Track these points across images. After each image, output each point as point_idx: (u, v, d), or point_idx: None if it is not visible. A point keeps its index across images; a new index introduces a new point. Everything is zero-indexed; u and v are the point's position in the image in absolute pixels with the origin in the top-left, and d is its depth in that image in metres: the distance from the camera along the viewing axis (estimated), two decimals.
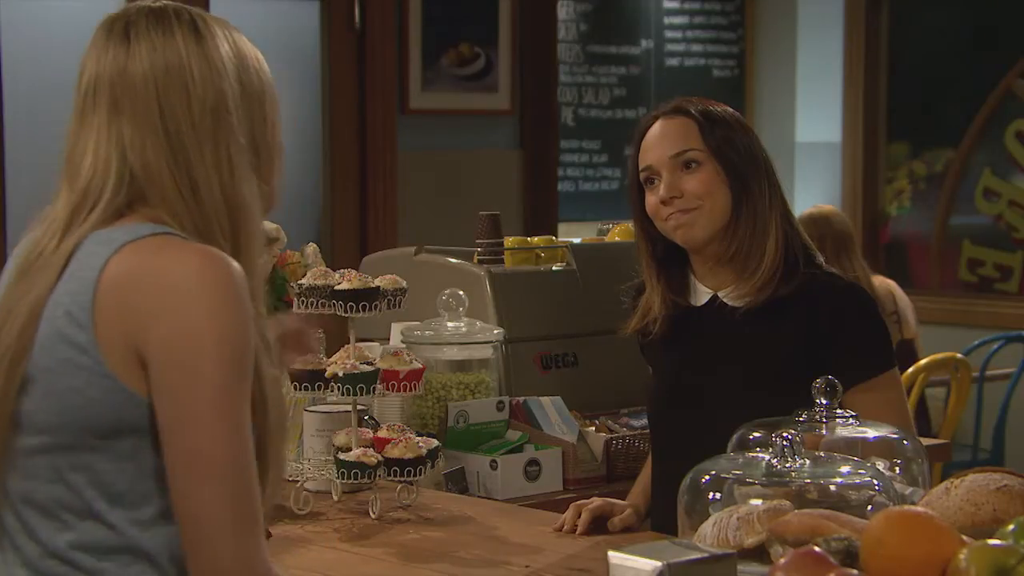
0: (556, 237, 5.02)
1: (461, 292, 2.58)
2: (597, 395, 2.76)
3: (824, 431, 1.68)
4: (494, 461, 2.42)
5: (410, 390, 2.12)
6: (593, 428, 2.65)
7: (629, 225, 2.98)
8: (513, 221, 4.98)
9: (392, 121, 4.51)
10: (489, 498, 2.34)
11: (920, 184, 6.44)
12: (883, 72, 6.58)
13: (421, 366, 2.15)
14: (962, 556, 1.05)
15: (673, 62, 6.48)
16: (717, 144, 2.31)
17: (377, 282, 2.13)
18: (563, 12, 6.01)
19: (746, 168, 2.31)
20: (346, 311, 2.08)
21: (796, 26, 6.73)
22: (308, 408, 2.26)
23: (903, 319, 4.79)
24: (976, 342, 5.19)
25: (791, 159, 6.71)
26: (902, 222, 6.41)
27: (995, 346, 5.15)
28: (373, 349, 2.69)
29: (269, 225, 2.37)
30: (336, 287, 2.09)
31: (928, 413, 4.81)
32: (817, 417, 1.75)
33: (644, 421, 2.69)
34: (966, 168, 6.24)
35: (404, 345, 2.47)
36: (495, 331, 2.60)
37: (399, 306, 2.16)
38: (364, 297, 2.08)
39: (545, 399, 2.59)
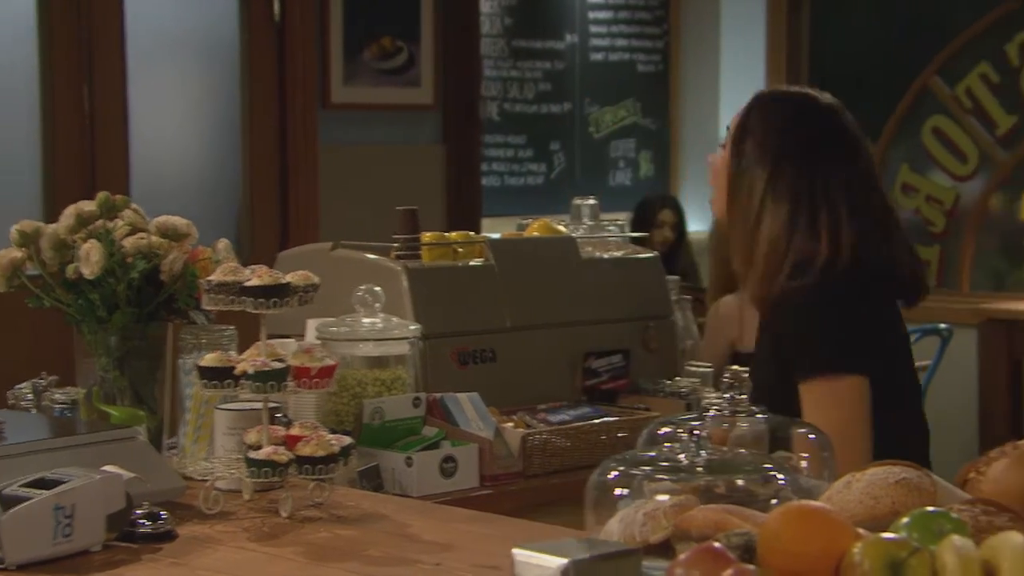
0: (479, 232, 5.04)
1: (377, 288, 2.56)
2: (515, 391, 2.75)
3: (728, 425, 1.69)
4: (409, 458, 2.41)
5: (322, 387, 2.10)
6: (511, 424, 2.64)
7: (548, 221, 2.98)
8: (436, 217, 4.97)
9: (313, 115, 4.49)
10: (404, 495, 2.33)
11: None
12: (804, 68, 6.64)
13: (334, 363, 2.13)
14: (856, 549, 1.06)
15: (598, 56, 6.50)
16: (736, 131, 2.37)
17: (288, 278, 2.10)
18: (487, 6, 6.01)
19: (751, 160, 2.34)
20: (255, 308, 2.05)
21: (719, 22, 6.78)
22: (219, 406, 2.24)
23: None
24: None
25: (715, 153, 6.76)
26: None
27: (912, 339, 5.20)
28: (287, 346, 2.67)
29: (179, 220, 2.33)
30: (246, 283, 2.06)
31: None
32: (724, 411, 1.76)
33: (562, 416, 2.70)
34: (884, 163, 6.31)
35: (318, 342, 2.45)
36: (411, 327, 2.58)
37: (311, 302, 2.14)
38: (274, 293, 2.05)
39: (462, 395, 2.58)
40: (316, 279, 2.13)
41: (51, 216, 4.12)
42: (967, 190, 6.09)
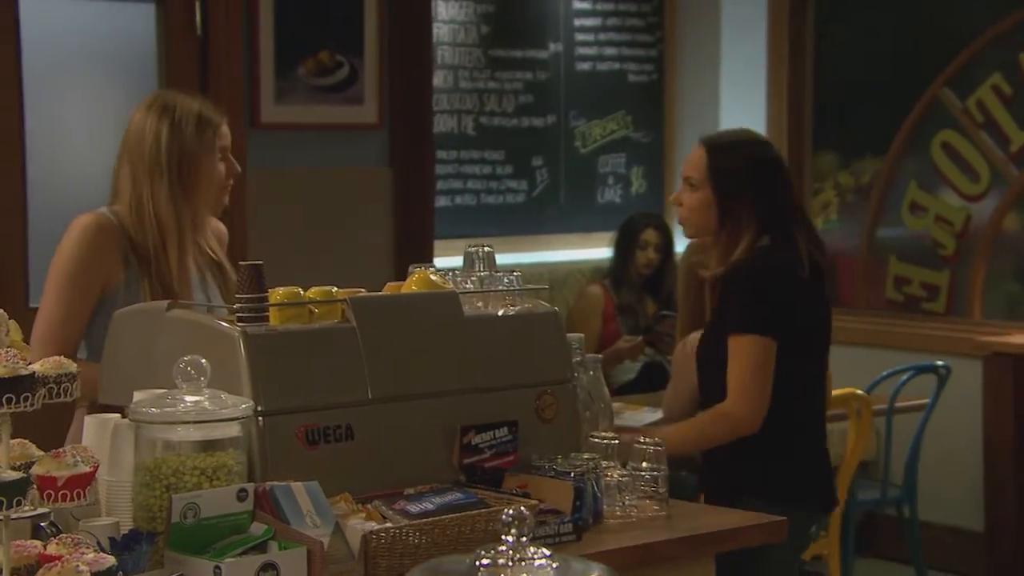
0: (432, 262, 4.68)
1: (203, 360, 2.21)
2: (378, 474, 2.39)
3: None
4: (218, 567, 2.05)
5: (73, 499, 1.75)
6: (363, 516, 2.28)
7: (428, 273, 2.61)
8: (382, 245, 4.61)
9: (240, 136, 4.13)
10: None
11: (847, 196, 6.10)
12: (808, 77, 6.24)
13: (89, 468, 1.78)
14: None
15: (585, 66, 6.12)
16: (715, 172, 3.08)
17: (36, 366, 1.76)
18: (462, 14, 5.66)
19: (732, 196, 3.07)
20: None
21: (719, 29, 6.37)
22: None
23: None
24: (885, 372, 4.84)
25: None
26: (829, 237, 6.06)
27: (904, 377, 4.79)
28: (105, 423, 2.33)
29: None
30: None
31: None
32: (502, 560, 1.39)
33: (426, 505, 2.33)
34: (893, 179, 5.90)
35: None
36: (243, 405, 2.23)
37: (69, 395, 1.79)
38: (10, 388, 1.71)
39: (298, 484, 2.22)
40: (73, 367, 1.78)
41: None
42: (979, 210, 5.65)
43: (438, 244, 5.11)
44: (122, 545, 2.08)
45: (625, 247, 5.60)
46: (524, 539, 1.40)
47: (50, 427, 2.80)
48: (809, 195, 6.20)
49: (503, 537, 1.41)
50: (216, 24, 4.23)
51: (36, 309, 3.01)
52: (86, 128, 4.27)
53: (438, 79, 5.55)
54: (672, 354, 4.49)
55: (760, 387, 2.95)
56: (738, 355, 2.97)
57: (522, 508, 1.42)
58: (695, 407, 4.48)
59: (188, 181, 2.94)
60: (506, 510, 1.41)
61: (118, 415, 2.34)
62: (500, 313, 2.64)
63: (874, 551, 5.59)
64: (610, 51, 6.20)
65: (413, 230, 4.75)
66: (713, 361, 3.08)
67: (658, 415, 4.59)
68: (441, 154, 5.56)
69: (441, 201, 5.55)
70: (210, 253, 3.07)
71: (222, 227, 3.19)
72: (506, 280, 2.66)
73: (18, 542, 1.80)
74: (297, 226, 4.52)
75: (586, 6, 6.10)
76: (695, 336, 4.35)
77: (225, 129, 3.02)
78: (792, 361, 3.00)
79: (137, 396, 2.32)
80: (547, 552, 1.42)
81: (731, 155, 3.10)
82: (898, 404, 4.78)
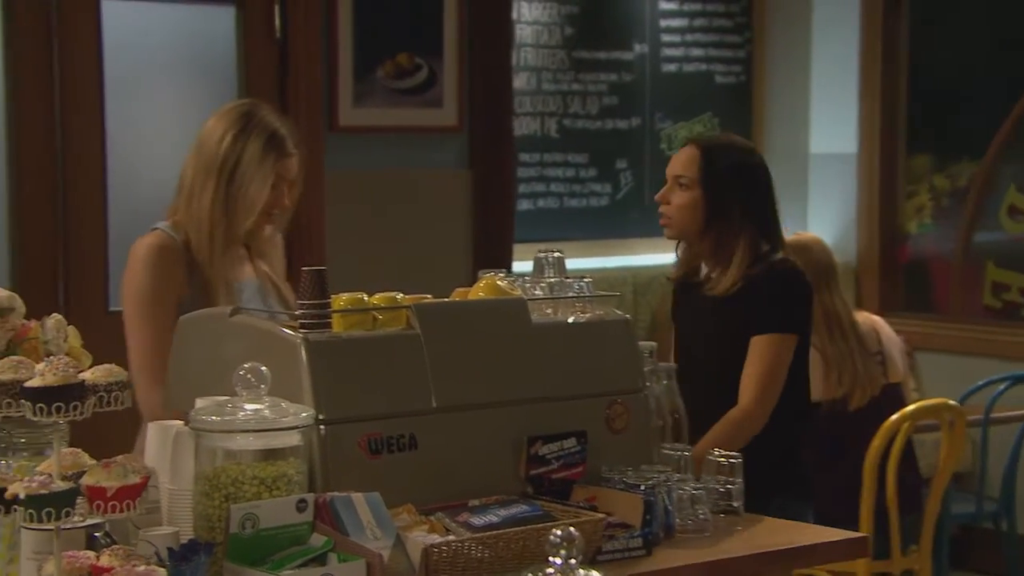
0: (511, 266, 4.62)
1: (263, 367, 2.17)
2: (442, 485, 2.34)
3: None
4: None
5: (123, 510, 1.71)
6: (425, 528, 2.23)
7: (497, 279, 2.55)
8: (461, 250, 4.57)
9: (319, 139, 4.11)
10: None
11: (943, 200, 5.94)
12: (903, 78, 6.09)
13: (139, 479, 1.74)
14: None
15: (671, 67, 6.02)
16: (708, 174, 3.09)
17: (87, 374, 1.72)
18: (546, 15, 5.59)
19: (725, 196, 3.08)
20: (36, 415, 1.68)
21: (810, 29, 6.24)
22: (25, 524, 1.86)
23: (888, 359, 4.29)
24: (980, 382, 4.69)
25: (804, 171, 6.24)
26: (923, 241, 5.92)
27: (1001, 387, 4.64)
28: (166, 431, 2.31)
29: (1, 292, 1.97)
30: (27, 383, 1.69)
31: (917, 463, 4.31)
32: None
33: (490, 518, 2.27)
34: (990, 183, 5.72)
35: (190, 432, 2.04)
36: (303, 414, 2.19)
37: (120, 403, 1.76)
38: (60, 396, 1.68)
39: (359, 495, 2.17)
40: (124, 375, 1.74)
41: (18, 268, 3.91)
42: None
43: (520, 248, 5.06)
44: (180, 556, 2.05)
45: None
46: (573, 561, 1.34)
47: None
48: (902, 198, 6.06)
49: (551, 559, 1.35)
50: (295, 27, 4.22)
51: (116, 313, 3.01)
52: (165, 132, 4.28)
53: (521, 81, 5.50)
54: None
55: (777, 387, 3.02)
56: (765, 354, 3.00)
57: (571, 529, 1.36)
58: None
59: (233, 192, 2.89)
60: (554, 530, 1.35)
61: (181, 422, 2.31)
62: (570, 320, 2.58)
63: (969, 566, 5.42)
64: (697, 52, 6.10)
65: (492, 234, 4.70)
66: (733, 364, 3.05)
67: None
68: (524, 157, 5.50)
69: (523, 204, 5.50)
70: (263, 269, 3.03)
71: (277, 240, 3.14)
72: (576, 286, 2.59)
73: (70, 552, 1.77)
74: (374, 229, 4.49)
75: (672, 7, 6.01)
76: None
77: (292, 162, 2.94)
78: (799, 357, 3.10)
79: (199, 403, 2.30)
80: (597, 574, 1.36)
81: (725, 156, 3.13)
82: (994, 415, 4.62)
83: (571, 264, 2.70)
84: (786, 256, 3.13)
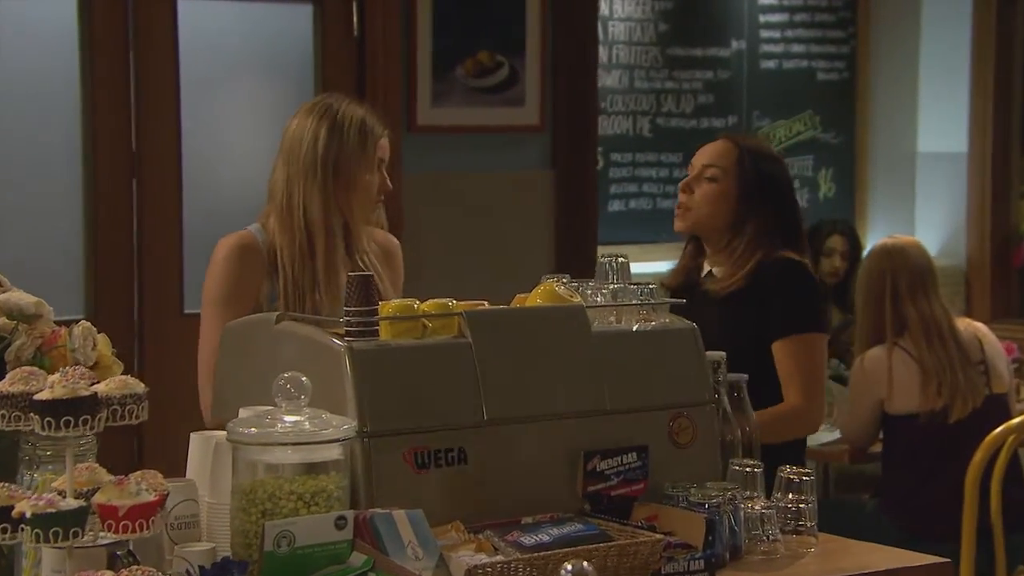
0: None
1: (303, 377, 2.09)
2: (493, 501, 2.22)
3: None
4: None
5: (135, 530, 1.63)
6: (473, 547, 2.12)
7: (555, 285, 2.44)
8: (543, 252, 4.45)
9: (397, 139, 4.04)
10: None
11: None
12: (1017, 74, 5.86)
13: (154, 497, 1.66)
14: None
15: (770, 64, 5.86)
16: (744, 171, 3.03)
17: (100, 387, 1.65)
18: (638, 11, 5.47)
19: (759, 195, 3.03)
20: (44, 428, 1.60)
21: (919, 23, 6.02)
22: (30, 544, 1.78)
23: (991, 369, 4.08)
24: None
25: (911, 171, 6.03)
26: None
27: None
28: (207, 441, 2.23)
29: (26, 299, 1.91)
30: (35, 396, 1.62)
31: (1023, 478, 4.10)
32: None
33: (542, 537, 2.16)
34: None
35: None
36: (345, 426, 2.09)
37: (135, 417, 1.68)
38: (69, 410, 1.60)
39: (400, 513, 2.07)
40: (139, 388, 1.66)
41: (93, 269, 3.93)
42: None
43: (609, 250, 4.93)
44: (211, 574, 1.97)
45: (810, 254, 5.31)
46: None
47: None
48: (1015, 199, 5.83)
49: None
50: (373, 25, 4.16)
51: (192, 315, 2.97)
52: (242, 132, 4.26)
53: (612, 79, 5.38)
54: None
55: (823, 386, 3.06)
56: (808, 353, 3.00)
57: (584, 564, 1.24)
58: (877, 428, 4.21)
59: (343, 184, 2.87)
60: (566, 565, 1.24)
61: (223, 433, 2.24)
62: (633, 328, 2.45)
63: None
64: (797, 48, 5.93)
65: (576, 235, 4.58)
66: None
67: (836, 435, 4.32)
68: (615, 157, 5.39)
69: (614, 205, 5.38)
70: (364, 266, 2.96)
71: (393, 242, 3.10)
72: (641, 292, 2.47)
73: (87, 572, 1.70)
74: (454, 231, 4.40)
75: (772, 2, 5.84)
76: (875, 353, 4.08)
77: (385, 142, 2.95)
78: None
79: (241, 414, 2.22)
80: None
81: (762, 157, 3.09)
82: None
83: (662, 266, 2.60)
84: (790, 255, 3.09)
